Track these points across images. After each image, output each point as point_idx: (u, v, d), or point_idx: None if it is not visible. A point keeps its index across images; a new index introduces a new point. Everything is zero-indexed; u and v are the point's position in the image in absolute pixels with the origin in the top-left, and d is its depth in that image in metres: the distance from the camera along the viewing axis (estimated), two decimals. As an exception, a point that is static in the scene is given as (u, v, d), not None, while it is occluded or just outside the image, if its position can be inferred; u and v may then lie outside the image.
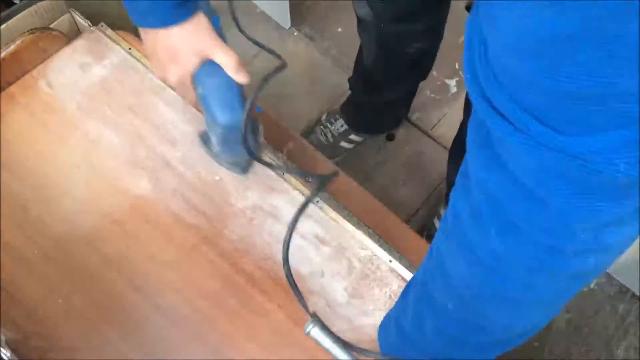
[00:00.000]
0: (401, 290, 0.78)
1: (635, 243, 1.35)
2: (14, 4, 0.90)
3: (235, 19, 0.73)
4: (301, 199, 0.83)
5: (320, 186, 0.76)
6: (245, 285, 0.78)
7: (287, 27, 1.65)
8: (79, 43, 0.92)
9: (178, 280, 0.78)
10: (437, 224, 1.42)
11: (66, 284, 0.77)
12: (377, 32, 1.17)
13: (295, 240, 0.81)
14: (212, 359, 0.74)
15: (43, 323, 0.75)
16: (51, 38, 0.90)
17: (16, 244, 0.78)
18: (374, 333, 0.75)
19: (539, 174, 0.35)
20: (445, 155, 1.35)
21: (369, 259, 0.80)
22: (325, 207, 0.82)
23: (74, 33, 0.96)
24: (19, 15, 0.88)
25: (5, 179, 0.82)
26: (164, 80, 0.75)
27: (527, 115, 0.32)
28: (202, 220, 0.81)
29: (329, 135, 1.52)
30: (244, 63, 0.71)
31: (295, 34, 1.68)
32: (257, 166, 0.84)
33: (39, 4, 0.89)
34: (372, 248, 0.80)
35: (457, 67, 1.66)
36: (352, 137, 1.52)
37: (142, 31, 0.70)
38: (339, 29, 1.70)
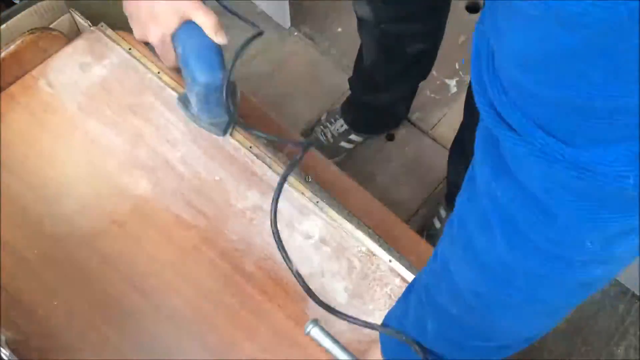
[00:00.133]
0: (401, 290, 0.78)
1: (636, 243, 1.32)
2: (14, 4, 0.90)
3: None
4: (301, 200, 0.83)
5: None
6: (245, 285, 0.78)
7: (287, 27, 1.65)
8: (79, 43, 0.92)
9: (178, 280, 0.78)
10: (437, 224, 1.42)
11: (66, 284, 0.77)
12: (377, 32, 1.17)
13: (295, 240, 0.81)
14: (212, 359, 0.74)
15: (43, 323, 0.75)
16: (51, 38, 0.90)
17: (16, 244, 0.78)
18: (373, 333, 0.75)
19: (547, 185, 0.35)
20: (445, 155, 1.36)
21: (369, 259, 0.80)
22: (325, 207, 0.83)
23: (74, 33, 0.96)
24: (19, 15, 0.88)
25: (5, 179, 0.82)
26: (144, 40, 0.76)
27: (535, 126, 0.32)
28: (202, 220, 0.81)
29: (329, 135, 1.52)
30: (223, 25, 0.73)
31: (295, 34, 1.68)
32: (257, 166, 0.84)
33: (39, 4, 0.89)
34: (372, 248, 0.80)
35: (457, 67, 1.66)
36: (352, 137, 1.52)
37: None
38: (339, 29, 1.70)
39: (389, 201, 1.47)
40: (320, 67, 1.65)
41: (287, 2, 1.58)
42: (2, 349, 0.68)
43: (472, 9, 1.73)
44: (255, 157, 0.85)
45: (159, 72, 0.90)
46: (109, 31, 0.93)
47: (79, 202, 0.82)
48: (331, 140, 1.52)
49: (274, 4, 1.62)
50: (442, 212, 1.41)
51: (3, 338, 0.71)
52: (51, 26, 0.92)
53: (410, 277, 0.79)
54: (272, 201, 0.67)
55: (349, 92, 1.49)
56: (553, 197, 0.35)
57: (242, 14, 0.77)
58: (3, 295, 0.75)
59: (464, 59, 1.66)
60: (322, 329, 0.69)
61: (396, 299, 0.77)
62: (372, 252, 0.80)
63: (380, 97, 1.39)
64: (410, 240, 0.88)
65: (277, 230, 0.66)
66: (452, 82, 1.65)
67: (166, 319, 0.76)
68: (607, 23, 0.24)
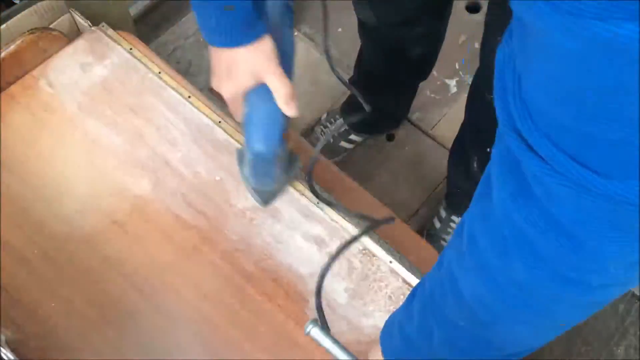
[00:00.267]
0: (401, 291, 0.78)
1: (635, 243, 1.32)
2: (14, 4, 0.90)
3: (327, 52, 0.73)
4: (302, 200, 0.83)
5: (370, 227, 0.76)
6: (245, 286, 0.78)
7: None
8: (79, 43, 0.92)
9: (178, 280, 0.78)
10: (437, 224, 1.42)
11: (66, 284, 0.77)
12: (379, 36, 1.17)
13: (296, 240, 0.81)
14: (212, 359, 0.74)
15: (43, 323, 0.75)
16: (51, 38, 0.90)
17: (16, 244, 0.78)
18: (373, 334, 0.75)
19: (578, 215, 0.34)
20: (445, 155, 1.35)
21: (369, 259, 0.80)
22: (326, 207, 0.82)
23: (74, 33, 0.96)
24: (19, 15, 0.88)
25: (5, 179, 0.82)
26: (218, 92, 0.75)
27: (567, 157, 0.31)
28: (202, 220, 0.81)
29: (329, 135, 1.52)
30: (297, 96, 0.70)
31: (295, 34, 1.68)
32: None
33: (39, 4, 0.89)
34: (372, 248, 0.80)
35: (457, 67, 1.66)
36: (352, 137, 1.52)
37: (210, 47, 0.70)
38: (339, 29, 1.70)
39: (389, 201, 1.47)
40: (320, 67, 1.65)
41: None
42: (2, 348, 0.68)
43: (472, 9, 1.73)
44: (255, 158, 0.85)
45: (159, 73, 0.90)
46: (110, 31, 0.93)
47: (79, 202, 0.82)
48: (331, 140, 1.52)
49: (274, 4, 1.62)
50: (442, 212, 1.41)
51: (3, 338, 0.71)
52: (51, 26, 0.92)
53: (410, 277, 0.79)
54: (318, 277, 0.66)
55: (349, 92, 1.49)
56: (583, 227, 0.34)
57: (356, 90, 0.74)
58: (3, 295, 0.75)
59: (464, 59, 1.66)
60: (322, 329, 0.68)
61: (396, 300, 0.77)
62: (372, 253, 0.80)
63: (380, 98, 1.39)
64: (410, 240, 0.89)
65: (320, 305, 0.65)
66: (452, 82, 1.64)
67: (166, 319, 0.76)
68: None
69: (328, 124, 1.52)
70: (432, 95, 1.63)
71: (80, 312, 0.75)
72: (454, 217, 1.39)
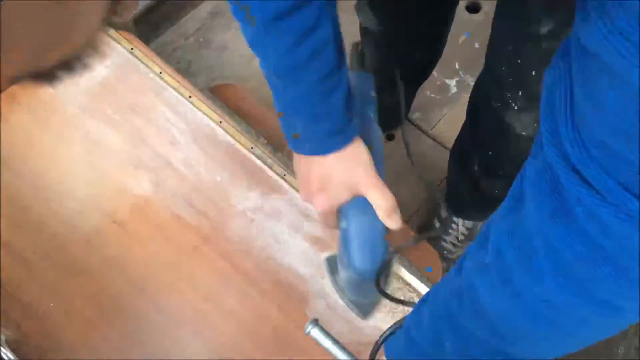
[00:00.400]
0: (401, 292, 0.78)
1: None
2: (15, 3, 0.90)
3: (408, 152, 0.69)
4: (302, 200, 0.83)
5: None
6: (246, 286, 0.78)
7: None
8: (79, 43, 0.92)
9: (178, 280, 0.78)
10: (437, 224, 1.42)
11: (66, 284, 0.77)
12: (382, 43, 1.17)
13: (296, 241, 0.81)
14: (212, 359, 0.74)
15: (43, 323, 0.75)
16: (52, 38, 0.90)
17: (16, 244, 0.78)
18: (373, 334, 0.75)
19: (627, 244, 0.33)
20: (445, 155, 1.35)
21: (369, 259, 0.80)
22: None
23: (75, 33, 0.96)
24: (19, 15, 0.88)
25: (5, 179, 0.82)
26: (309, 203, 0.70)
27: (623, 190, 0.31)
28: (203, 220, 0.81)
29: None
30: (398, 208, 0.65)
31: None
32: (257, 167, 0.84)
33: (39, 3, 0.89)
34: (373, 249, 0.80)
35: (457, 67, 1.66)
36: (353, 137, 1.52)
37: (294, 152, 0.66)
38: (339, 29, 1.70)
39: (389, 201, 1.46)
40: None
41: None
42: (2, 348, 0.69)
43: (472, 9, 1.73)
44: (256, 158, 0.85)
45: (160, 73, 0.90)
46: (111, 31, 0.93)
47: (79, 202, 0.82)
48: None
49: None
50: (443, 213, 1.41)
51: (3, 338, 0.71)
52: (52, 26, 0.92)
53: (410, 278, 0.79)
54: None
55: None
56: (632, 257, 0.34)
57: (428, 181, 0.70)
58: (3, 295, 0.75)
59: (464, 59, 1.66)
60: (322, 329, 0.69)
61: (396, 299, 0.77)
62: (372, 253, 0.80)
63: (380, 98, 1.39)
64: (410, 240, 0.88)
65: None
66: (452, 82, 1.64)
67: (166, 319, 0.76)
68: None
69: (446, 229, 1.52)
70: (432, 95, 1.62)
71: (80, 312, 0.76)
72: (454, 218, 1.39)
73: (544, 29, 0.75)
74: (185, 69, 1.59)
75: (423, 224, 1.46)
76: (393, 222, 0.65)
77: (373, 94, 0.70)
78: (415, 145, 1.57)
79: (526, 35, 0.79)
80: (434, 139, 1.57)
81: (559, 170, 0.35)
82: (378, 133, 0.69)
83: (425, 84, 1.45)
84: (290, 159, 0.89)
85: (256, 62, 0.63)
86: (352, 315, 0.77)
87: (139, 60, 0.91)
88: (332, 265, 0.76)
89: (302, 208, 0.82)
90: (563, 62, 0.35)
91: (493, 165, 1.06)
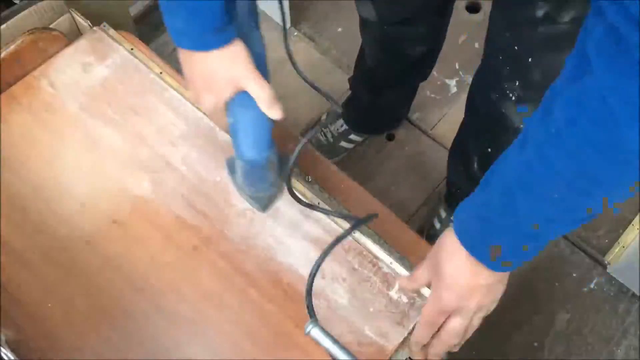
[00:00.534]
0: (401, 291, 0.78)
1: (635, 243, 1.36)
2: (14, 4, 0.90)
3: (289, 55, 0.71)
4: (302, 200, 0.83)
5: (357, 225, 0.76)
6: (246, 286, 0.78)
7: (287, 27, 1.65)
8: (81, 43, 0.92)
9: (178, 280, 0.78)
10: (437, 224, 1.42)
11: (66, 284, 0.77)
12: (380, 34, 1.17)
13: (296, 241, 0.81)
14: (212, 359, 0.74)
15: (43, 323, 0.75)
16: (51, 38, 0.90)
17: (16, 244, 0.78)
18: (374, 335, 0.76)
19: None
20: (445, 155, 1.35)
21: (370, 260, 0.80)
22: (326, 208, 0.82)
23: (74, 33, 0.96)
24: (19, 15, 0.88)
25: (6, 179, 0.82)
26: (197, 104, 0.73)
27: None
28: (203, 220, 0.81)
29: (329, 135, 1.52)
30: (277, 99, 0.69)
31: (295, 34, 1.68)
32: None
33: (39, 4, 0.89)
34: (373, 249, 0.80)
35: (457, 67, 1.66)
36: (352, 137, 1.52)
37: (179, 50, 0.68)
38: (339, 29, 1.70)
39: (389, 201, 1.47)
40: (320, 67, 1.65)
41: (287, 2, 1.58)
42: (2, 348, 0.69)
43: (472, 9, 1.73)
44: (255, 158, 0.85)
45: (161, 73, 0.90)
46: (112, 31, 0.93)
47: (79, 202, 0.82)
48: (331, 140, 1.52)
49: (274, 4, 1.62)
50: (442, 213, 1.41)
51: (3, 338, 0.71)
52: (51, 26, 0.92)
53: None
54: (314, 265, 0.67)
55: (349, 92, 1.49)
56: None
57: (326, 91, 0.73)
58: (3, 295, 0.75)
59: (464, 59, 1.66)
60: (322, 329, 0.69)
61: (396, 301, 0.77)
62: (373, 254, 0.80)
63: (380, 97, 1.39)
64: (410, 240, 0.88)
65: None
66: (452, 82, 1.64)
67: (166, 319, 0.76)
68: None
69: (328, 124, 1.53)
70: (432, 95, 1.63)
71: (80, 312, 0.76)
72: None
73: (540, 12, 0.77)
74: (185, 69, 1.59)
75: (423, 224, 1.46)
76: (274, 112, 0.69)
77: (256, 5, 0.73)
78: (415, 145, 1.57)
79: (522, 19, 0.81)
80: (434, 139, 1.57)
81: (623, 30, 0.39)
82: (260, 38, 0.74)
83: (425, 84, 1.45)
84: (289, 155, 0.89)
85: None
86: (353, 316, 0.77)
87: (140, 60, 0.91)
88: (231, 165, 0.81)
89: (302, 208, 0.82)
90: None
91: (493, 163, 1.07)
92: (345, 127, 1.51)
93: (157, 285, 0.77)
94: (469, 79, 1.58)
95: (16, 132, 0.85)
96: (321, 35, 1.69)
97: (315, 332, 0.70)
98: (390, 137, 1.59)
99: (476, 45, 1.67)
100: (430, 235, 1.41)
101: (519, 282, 1.41)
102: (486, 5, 1.72)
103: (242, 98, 0.69)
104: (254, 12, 0.73)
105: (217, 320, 0.76)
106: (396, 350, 0.75)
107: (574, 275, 1.43)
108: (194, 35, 0.65)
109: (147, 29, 1.59)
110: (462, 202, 0.64)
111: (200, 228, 0.81)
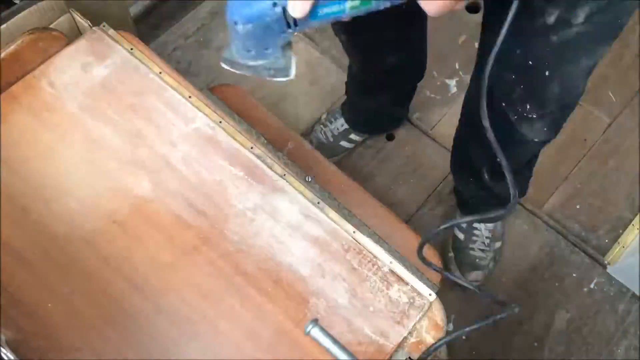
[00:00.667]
0: (401, 291, 0.78)
1: (635, 243, 1.35)
2: (14, 4, 0.90)
3: None
4: (302, 201, 0.83)
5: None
6: (246, 286, 0.78)
7: None
8: (81, 43, 0.92)
9: (178, 280, 0.78)
10: (460, 235, 1.42)
11: (66, 284, 0.77)
12: (352, 39, 1.15)
13: (296, 241, 0.81)
14: (212, 359, 0.74)
15: (43, 323, 0.75)
16: (51, 38, 0.90)
17: (16, 244, 0.78)
18: (374, 334, 0.76)
19: None
20: (445, 155, 1.36)
21: (370, 260, 0.80)
22: (326, 207, 0.83)
23: (74, 33, 0.96)
24: (19, 15, 0.88)
25: (5, 179, 0.82)
26: None
27: None
28: (202, 220, 0.81)
29: (329, 134, 1.52)
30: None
31: (295, 33, 1.68)
32: (257, 166, 0.84)
33: (39, 4, 0.89)
34: (373, 249, 0.80)
35: (457, 67, 1.66)
36: (352, 136, 1.52)
37: None
38: (339, 29, 1.70)
39: (389, 201, 1.47)
40: (320, 67, 1.65)
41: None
42: (2, 348, 0.69)
43: (472, 9, 1.73)
44: (256, 158, 0.85)
45: (160, 73, 0.90)
46: (111, 31, 0.93)
47: (79, 202, 0.82)
48: (331, 139, 1.52)
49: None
50: (463, 225, 1.41)
51: (3, 338, 0.71)
52: (51, 26, 0.92)
53: (410, 278, 0.79)
54: None
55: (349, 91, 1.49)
56: None
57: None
58: (3, 295, 0.75)
59: (464, 59, 1.66)
60: (322, 329, 0.69)
61: (396, 300, 0.77)
62: (372, 254, 0.80)
63: (374, 100, 1.39)
64: (411, 241, 0.89)
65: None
66: (452, 82, 1.65)
67: (166, 319, 0.76)
68: None
69: (328, 123, 1.53)
70: (432, 95, 1.63)
71: (80, 312, 0.76)
72: (475, 224, 1.38)
73: (551, 18, 0.72)
74: (185, 69, 1.59)
75: (423, 224, 1.46)
76: None
77: None
78: (415, 145, 1.57)
79: (532, 31, 0.75)
80: (434, 139, 1.57)
81: None
82: None
83: (425, 84, 1.45)
84: (290, 158, 0.89)
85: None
86: (352, 315, 0.77)
87: (139, 60, 0.91)
88: (229, 57, 0.71)
89: (302, 208, 0.82)
90: None
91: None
92: (345, 126, 1.51)
93: (157, 285, 0.77)
94: (469, 79, 1.59)
95: (16, 132, 0.85)
96: (321, 35, 1.69)
97: (315, 332, 0.71)
98: (390, 137, 1.59)
99: (476, 45, 1.67)
100: (456, 249, 1.40)
101: (519, 282, 1.41)
102: (486, 5, 1.72)
103: None
104: None
105: (216, 320, 0.76)
106: (396, 350, 0.75)
107: (574, 275, 1.43)
108: None
109: (147, 29, 1.59)
110: None
111: (200, 228, 0.81)
